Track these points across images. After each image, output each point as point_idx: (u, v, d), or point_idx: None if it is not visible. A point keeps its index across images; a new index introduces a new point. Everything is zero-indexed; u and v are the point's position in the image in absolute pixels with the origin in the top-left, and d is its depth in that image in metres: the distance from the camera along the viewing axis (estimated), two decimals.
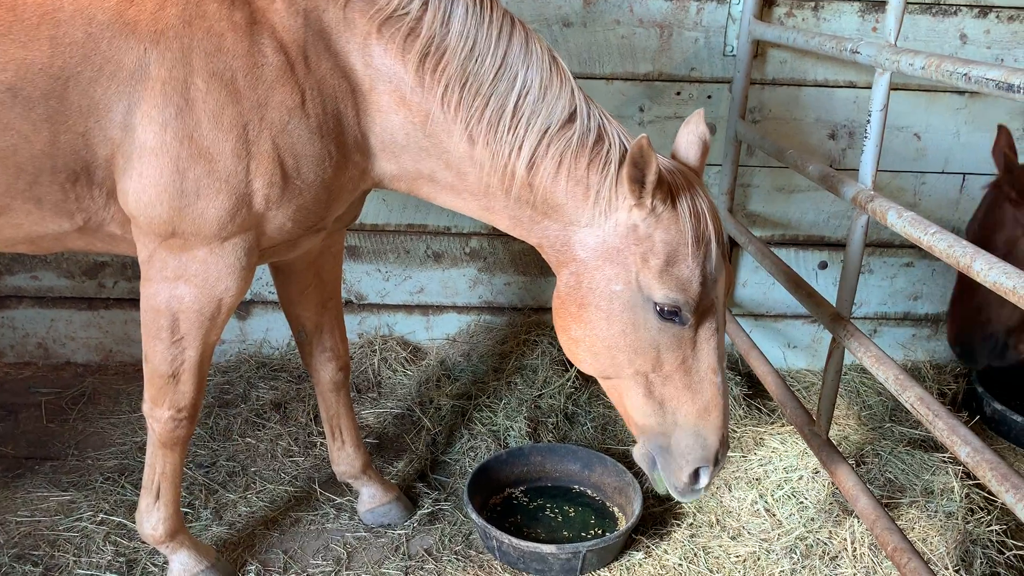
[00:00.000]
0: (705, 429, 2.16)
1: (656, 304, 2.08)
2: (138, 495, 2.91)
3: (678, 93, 3.69)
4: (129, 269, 3.85)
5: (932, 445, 3.36)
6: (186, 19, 2.03)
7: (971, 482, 3.04)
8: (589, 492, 3.15)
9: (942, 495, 3.01)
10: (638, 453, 2.30)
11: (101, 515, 2.91)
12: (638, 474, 3.12)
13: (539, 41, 2.17)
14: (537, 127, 2.11)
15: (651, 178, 2.00)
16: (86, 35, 2.01)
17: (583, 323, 2.18)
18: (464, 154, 2.17)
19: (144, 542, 2.72)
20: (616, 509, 3.05)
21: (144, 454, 3.16)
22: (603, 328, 2.15)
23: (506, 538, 2.71)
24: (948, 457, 3.19)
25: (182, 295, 2.21)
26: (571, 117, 2.13)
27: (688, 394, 2.16)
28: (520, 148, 2.11)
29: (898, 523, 2.66)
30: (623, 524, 2.93)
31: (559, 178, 2.13)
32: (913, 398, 2.21)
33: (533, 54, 2.14)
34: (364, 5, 2.11)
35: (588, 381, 3.75)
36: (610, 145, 2.13)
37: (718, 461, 2.20)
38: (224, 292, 2.23)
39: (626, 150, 2.13)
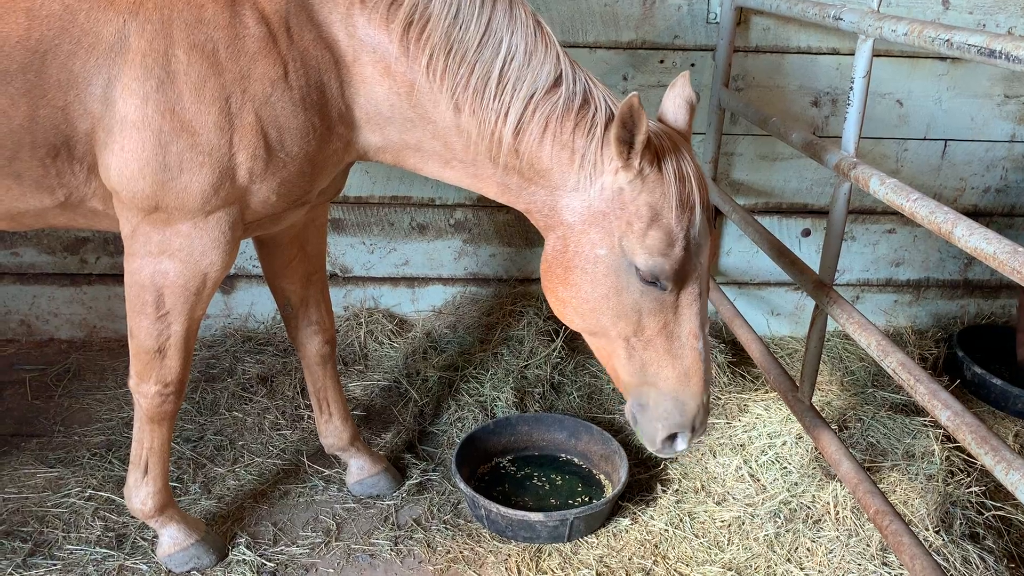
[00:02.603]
0: (684, 395, 2.17)
1: (639, 268, 2.08)
2: (126, 470, 2.92)
3: (661, 61, 3.68)
4: (111, 244, 3.82)
5: (913, 409, 3.41)
6: None
7: (951, 445, 3.09)
8: (576, 460, 3.17)
9: (923, 458, 3.06)
10: (627, 409, 2.31)
11: (89, 491, 2.91)
12: (624, 442, 3.15)
13: (523, 6, 2.14)
14: (523, 93, 2.08)
15: (640, 138, 1.99)
16: (63, 7, 1.97)
17: (569, 285, 2.17)
18: (451, 123, 2.15)
19: (133, 517, 2.73)
20: (602, 476, 3.08)
21: (131, 429, 3.16)
22: (587, 291, 2.15)
23: (494, 507, 2.74)
24: (929, 421, 3.24)
25: (166, 270, 2.20)
26: (556, 82, 2.11)
27: (669, 359, 2.17)
28: (506, 114, 2.09)
29: (880, 486, 2.71)
30: (609, 491, 2.97)
31: (545, 143, 2.11)
32: (895, 363, 2.23)
33: (517, 19, 2.11)
34: None
35: (574, 351, 3.77)
36: (596, 109, 2.11)
37: (695, 428, 2.21)
38: (209, 266, 2.22)
39: (612, 113, 2.12)
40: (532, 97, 2.09)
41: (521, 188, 2.21)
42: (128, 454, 3.03)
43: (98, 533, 2.73)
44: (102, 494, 2.90)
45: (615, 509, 2.92)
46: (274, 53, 2.05)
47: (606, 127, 2.10)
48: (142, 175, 2.07)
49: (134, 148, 2.04)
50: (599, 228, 2.10)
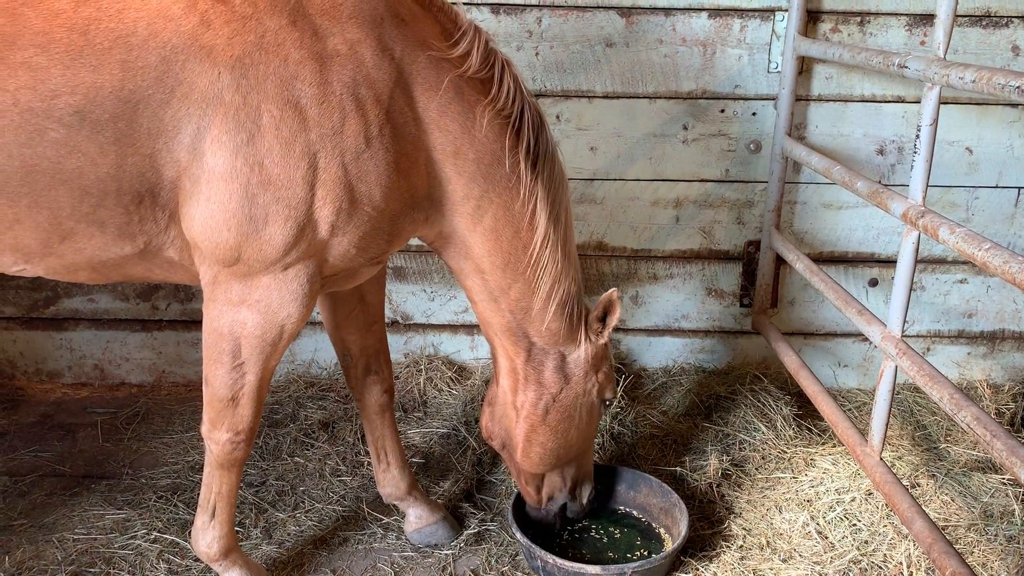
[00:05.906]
0: (590, 476, 2.96)
1: (606, 400, 2.76)
2: (191, 513, 2.97)
3: (722, 110, 3.68)
4: (182, 291, 3.94)
5: (990, 466, 3.27)
6: (264, 47, 2.06)
7: None
8: (635, 513, 3.12)
9: (1002, 519, 2.93)
10: (544, 512, 2.89)
11: (155, 533, 2.96)
12: (685, 495, 3.09)
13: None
14: (574, 255, 2.57)
15: (613, 320, 2.61)
16: (160, 59, 2.02)
17: (561, 433, 2.69)
18: (522, 267, 2.46)
19: (198, 559, 2.77)
20: (662, 530, 3.02)
21: (196, 473, 3.22)
22: (574, 433, 2.71)
23: (551, 558, 2.70)
24: (1007, 479, 3.11)
25: (244, 320, 2.25)
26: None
27: (589, 454, 2.90)
28: (569, 274, 2.53)
29: (956, 547, 2.60)
30: (669, 545, 2.90)
31: (576, 309, 2.60)
32: (969, 418, 2.16)
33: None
34: (478, 87, 2.30)
35: (634, 401, 3.73)
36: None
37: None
38: (286, 319, 2.26)
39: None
40: (578, 267, 2.61)
41: (526, 335, 2.59)
42: (193, 497, 3.08)
43: (162, 575, 2.78)
44: (167, 536, 2.95)
45: (675, 564, 2.85)
46: (364, 116, 2.13)
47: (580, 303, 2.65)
48: (227, 227, 2.12)
49: (221, 199, 2.09)
50: (586, 379, 2.67)
